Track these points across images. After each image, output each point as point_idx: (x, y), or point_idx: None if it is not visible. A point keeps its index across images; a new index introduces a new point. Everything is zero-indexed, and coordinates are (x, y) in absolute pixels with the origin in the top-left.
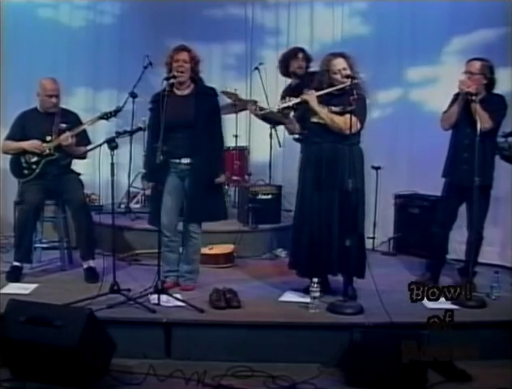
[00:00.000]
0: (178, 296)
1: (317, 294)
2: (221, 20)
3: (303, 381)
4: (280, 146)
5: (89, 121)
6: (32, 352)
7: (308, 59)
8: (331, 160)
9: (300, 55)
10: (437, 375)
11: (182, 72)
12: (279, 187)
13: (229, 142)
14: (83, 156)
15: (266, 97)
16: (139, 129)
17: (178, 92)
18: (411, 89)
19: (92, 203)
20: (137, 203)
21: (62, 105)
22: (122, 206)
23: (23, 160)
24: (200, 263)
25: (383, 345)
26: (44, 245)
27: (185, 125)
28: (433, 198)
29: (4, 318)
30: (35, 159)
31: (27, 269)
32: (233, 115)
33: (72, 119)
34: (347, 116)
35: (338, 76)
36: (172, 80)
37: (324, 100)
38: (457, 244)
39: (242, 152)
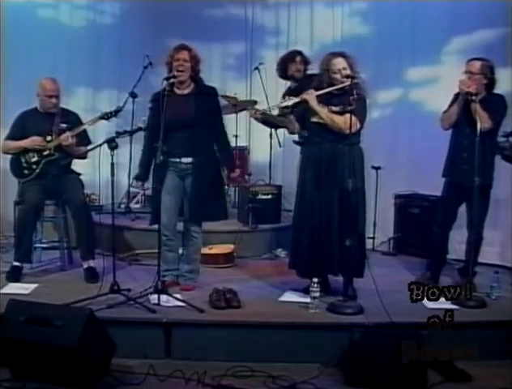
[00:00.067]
0: (178, 296)
1: (317, 294)
2: (221, 20)
3: (303, 381)
4: (280, 146)
5: (89, 122)
6: (32, 352)
7: (306, 62)
8: (331, 160)
9: (298, 58)
10: (437, 375)
11: (182, 71)
12: (279, 187)
13: None
14: (83, 156)
15: (266, 97)
16: (139, 129)
17: (178, 92)
18: (411, 89)
19: (92, 202)
20: (137, 203)
21: (62, 105)
22: (122, 206)
23: (23, 160)
24: (200, 263)
25: (383, 345)
26: (44, 245)
27: (186, 124)
28: (433, 198)
29: (4, 318)
30: (35, 159)
31: (27, 269)
32: (233, 115)
33: (72, 119)
34: (347, 116)
35: (338, 76)
36: (172, 80)
37: (324, 100)
38: (457, 244)
39: (242, 152)
